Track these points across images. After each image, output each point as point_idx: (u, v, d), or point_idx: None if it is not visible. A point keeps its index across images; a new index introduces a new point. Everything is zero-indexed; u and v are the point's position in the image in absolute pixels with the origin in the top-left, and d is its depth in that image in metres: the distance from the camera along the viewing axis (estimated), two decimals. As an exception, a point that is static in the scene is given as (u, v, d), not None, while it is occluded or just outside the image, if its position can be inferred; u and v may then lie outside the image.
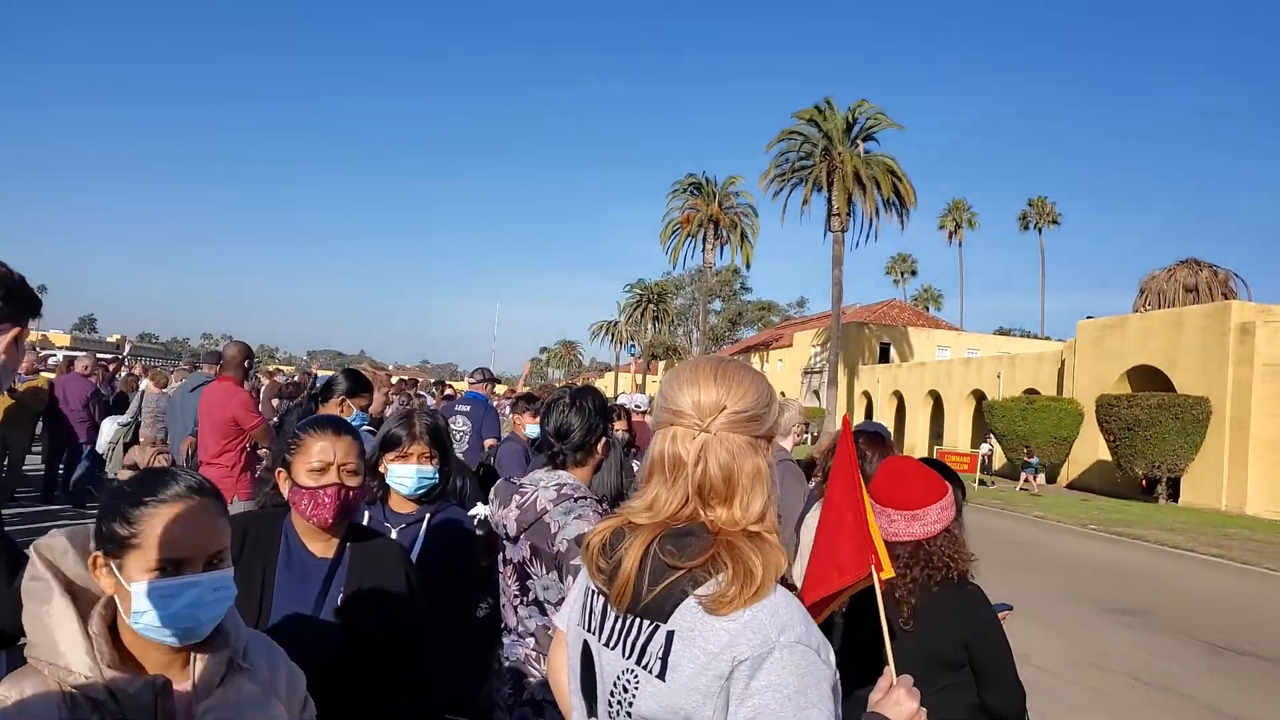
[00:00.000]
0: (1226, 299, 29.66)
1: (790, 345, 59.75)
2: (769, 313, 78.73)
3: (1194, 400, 23.66)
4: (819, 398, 48.85)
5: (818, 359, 52.96)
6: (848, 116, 40.73)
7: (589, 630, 1.44)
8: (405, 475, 2.94)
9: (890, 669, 1.83)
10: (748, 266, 61.00)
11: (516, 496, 2.82)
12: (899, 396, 43.19)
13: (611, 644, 1.37)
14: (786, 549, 4.28)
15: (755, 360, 66.47)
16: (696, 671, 1.24)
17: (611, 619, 1.39)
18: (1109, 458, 26.13)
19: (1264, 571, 13.54)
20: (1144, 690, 7.00)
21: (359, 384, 4.58)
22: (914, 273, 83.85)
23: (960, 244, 78.29)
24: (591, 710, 1.43)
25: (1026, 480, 26.82)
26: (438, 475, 2.98)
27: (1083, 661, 7.70)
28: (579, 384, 3.03)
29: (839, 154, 40.16)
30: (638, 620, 1.33)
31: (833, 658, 1.30)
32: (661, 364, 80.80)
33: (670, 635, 1.28)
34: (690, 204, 57.40)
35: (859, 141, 40.71)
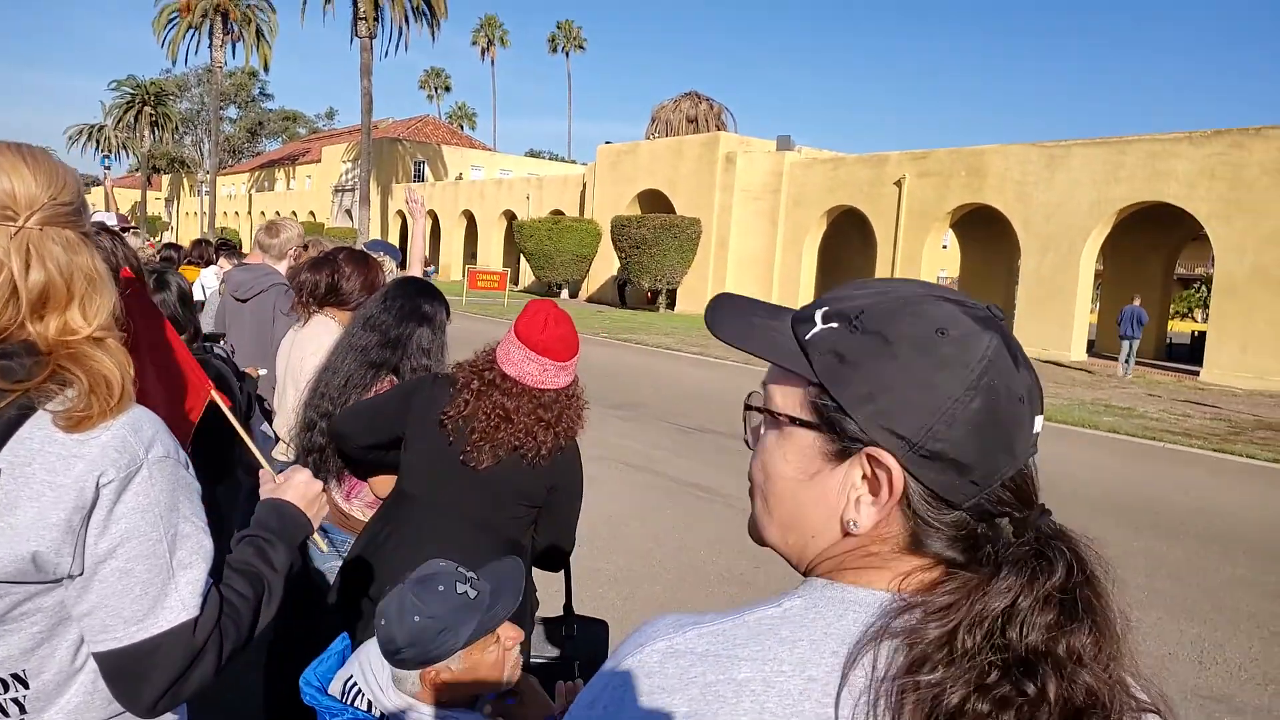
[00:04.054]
0: (720, 130, 33.50)
1: (319, 160, 55.84)
2: (294, 124, 72.30)
3: (689, 221, 26.76)
4: (351, 217, 46.79)
5: (349, 176, 50.28)
6: (374, -94, 37.47)
7: None
8: None
9: (266, 468, 1.66)
10: (266, 69, 54.95)
11: None
12: (434, 215, 42.96)
13: None
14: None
15: (281, 176, 61.26)
16: (47, 507, 1.10)
17: None
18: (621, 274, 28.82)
19: (730, 364, 15.93)
20: (628, 471, 7.71)
21: None
22: (448, 89, 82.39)
23: (493, 62, 78.24)
24: None
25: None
26: None
27: (579, 453, 8.29)
28: None
29: (366, -52, 37.08)
30: None
31: (193, 472, 1.26)
32: (165, 178, 70.69)
33: None
34: (192, -13, 49.46)
35: (386, -63, 37.88)
